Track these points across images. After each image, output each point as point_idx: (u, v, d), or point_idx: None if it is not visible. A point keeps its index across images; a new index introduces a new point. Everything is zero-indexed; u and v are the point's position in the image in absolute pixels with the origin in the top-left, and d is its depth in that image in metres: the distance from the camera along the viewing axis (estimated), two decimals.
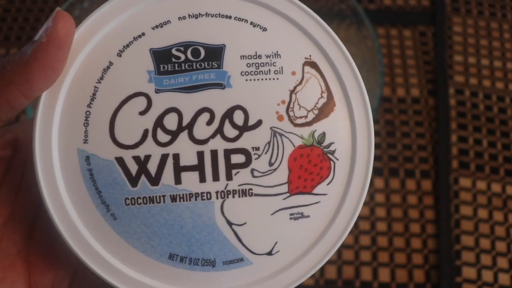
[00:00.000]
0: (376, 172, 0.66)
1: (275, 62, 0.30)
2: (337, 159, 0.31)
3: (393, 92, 0.71)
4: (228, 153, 0.30)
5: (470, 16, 0.77)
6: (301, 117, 0.30)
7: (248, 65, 0.30)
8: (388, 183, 0.66)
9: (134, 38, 0.30)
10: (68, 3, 0.68)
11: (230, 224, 0.30)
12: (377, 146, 0.67)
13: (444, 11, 0.76)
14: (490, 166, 0.67)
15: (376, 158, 0.66)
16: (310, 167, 0.30)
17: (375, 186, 0.65)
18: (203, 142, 0.30)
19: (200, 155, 0.29)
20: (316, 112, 0.31)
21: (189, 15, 0.30)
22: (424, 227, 0.63)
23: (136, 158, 0.29)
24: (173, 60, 0.30)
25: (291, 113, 0.30)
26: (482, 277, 0.60)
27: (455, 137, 0.68)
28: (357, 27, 0.69)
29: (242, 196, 0.30)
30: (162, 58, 0.30)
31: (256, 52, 0.30)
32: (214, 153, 0.30)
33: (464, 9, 0.77)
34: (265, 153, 0.30)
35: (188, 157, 0.29)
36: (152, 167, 0.29)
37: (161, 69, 0.30)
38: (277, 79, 0.30)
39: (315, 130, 0.30)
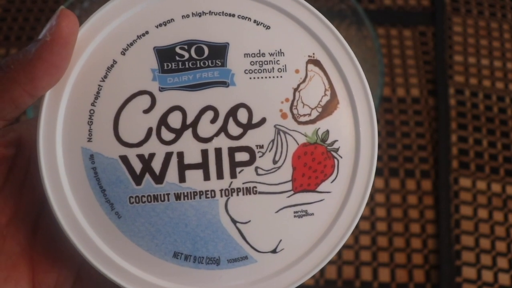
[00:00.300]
0: (376, 172, 0.65)
1: (278, 60, 0.30)
2: (341, 157, 0.31)
3: (393, 92, 0.71)
4: (232, 151, 0.30)
5: (470, 16, 0.77)
6: (304, 115, 0.30)
7: (252, 63, 0.30)
8: (388, 183, 0.66)
9: (138, 36, 0.30)
10: (68, 3, 0.68)
11: (234, 222, 0.30)
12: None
13: (444, 11, 0.76)
14: (490, 166, 0.67)
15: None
16: (314, 165, 0.30)
17: (375, 186, 0.65)
18: (207, 140, 0.30)
19: (204, 153, 0.29)
20: (319, 110, 0.31)
21: (192, 14, 0.30)
22: (424, 227, 0.63)
23: (141, 157, 0.29)
24: (177, 58, 0.30)
25: (294, 111, 0.30)
26: (482, 277, 0.60)
27: (455, 137, 0.68)
28: (357, 27, 0.69)
29: (246, 194, 0.30)
30: (166, 56, 0.30)
31: (259, 50, 0.30)
32: (218, 151, 0.30)
33: (464, 9, 0.77)
34: (269, 151, 0.30)
35: (192, 155, 0.29)
36: (157, 165, 0.29)
37: (165, 68, 0.30)
38: (281, 77, 0.30)
39: (319, 128, 0.30)
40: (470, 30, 0.76)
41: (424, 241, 0.62)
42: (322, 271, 0.61)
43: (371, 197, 0.65)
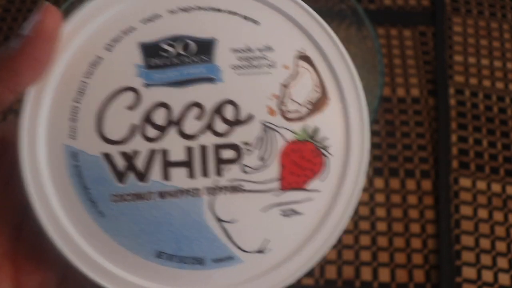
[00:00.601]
0: (376, 172, 0.66)
1: (267, 56, 0.30)
2: (331, 155, 0.30)
3: (393, 92, 0.71)
4: (218, 148, 0.29)
5: (470, 16, 0.76)
6: (293, 112, 0.30)
7: (240, 59, 0.30)
8: (388, 183, 0.65)
9: (123, 32, 0.29)
10: (68, 3, 0.68)
11: (219, 221, 0.29)
12: (377, 146, 0.67)
13: (444, 11, 0.76)
14: (490, 166, 0.66)
15: (376, 158, 0.66)
16: (303, 162, 0.30)
17: (375, 186, 0.65)
18: (193, 137, 0.29)
19: (190, 150, 0.29)
20: (309, 106, 0.30)
21: (179, 9, 0.30)
22: (424, 227, 0.63)
23: (124, 154, 0.29)
24: (163, 54, 0.29)
25: (283, 108, 0.30)
26: (482, 277, 0.60)
27: (455, 137, 0.68)
28: (357, 27, 0.69)
29: (232, 193, 0.29)
30: (152, 52, 0.29)
31: (248, 45, 0.30)
32: (203, 149, 0.29)
33: (464, 9, 0.77)
34: (256, 148, 0.29)
35: (177, 153, 0.29)
36: (140, 163, 0.29)
37: (151, 64, 0.29)
38: (270, 73, 0.30)
39: (308, 125, 0.30)
40: (470, 30, 0.75)
41: (424, 241, 0.62)
42: (322, 271, 0.60)
43: (371, 197, 0.64)
